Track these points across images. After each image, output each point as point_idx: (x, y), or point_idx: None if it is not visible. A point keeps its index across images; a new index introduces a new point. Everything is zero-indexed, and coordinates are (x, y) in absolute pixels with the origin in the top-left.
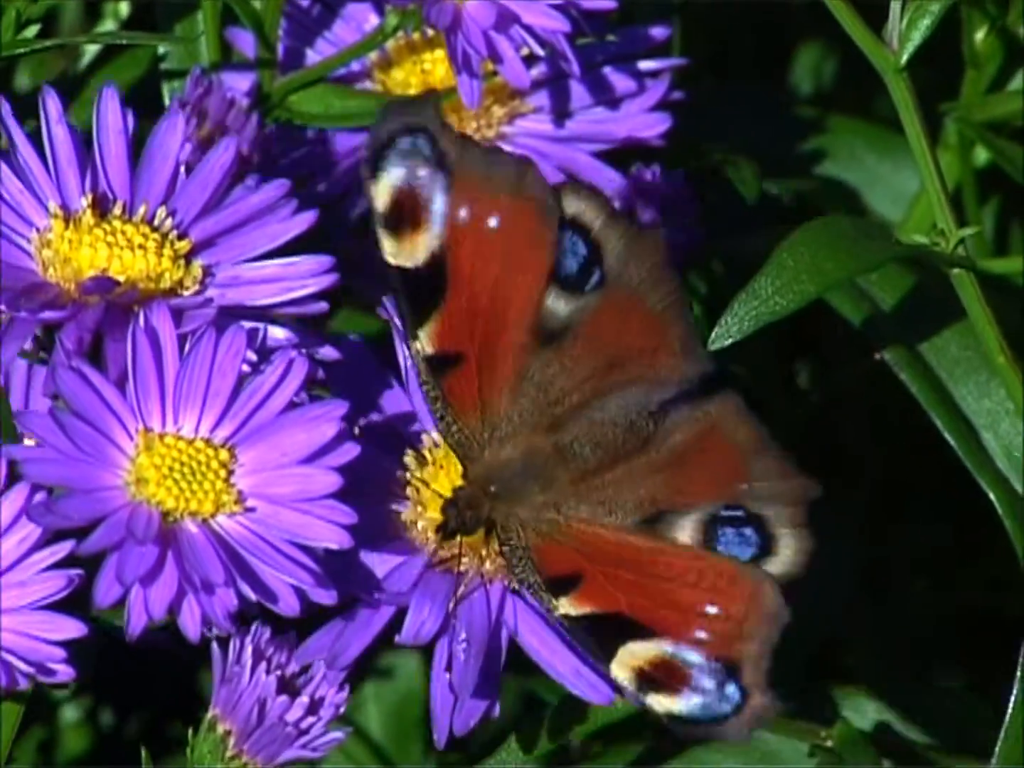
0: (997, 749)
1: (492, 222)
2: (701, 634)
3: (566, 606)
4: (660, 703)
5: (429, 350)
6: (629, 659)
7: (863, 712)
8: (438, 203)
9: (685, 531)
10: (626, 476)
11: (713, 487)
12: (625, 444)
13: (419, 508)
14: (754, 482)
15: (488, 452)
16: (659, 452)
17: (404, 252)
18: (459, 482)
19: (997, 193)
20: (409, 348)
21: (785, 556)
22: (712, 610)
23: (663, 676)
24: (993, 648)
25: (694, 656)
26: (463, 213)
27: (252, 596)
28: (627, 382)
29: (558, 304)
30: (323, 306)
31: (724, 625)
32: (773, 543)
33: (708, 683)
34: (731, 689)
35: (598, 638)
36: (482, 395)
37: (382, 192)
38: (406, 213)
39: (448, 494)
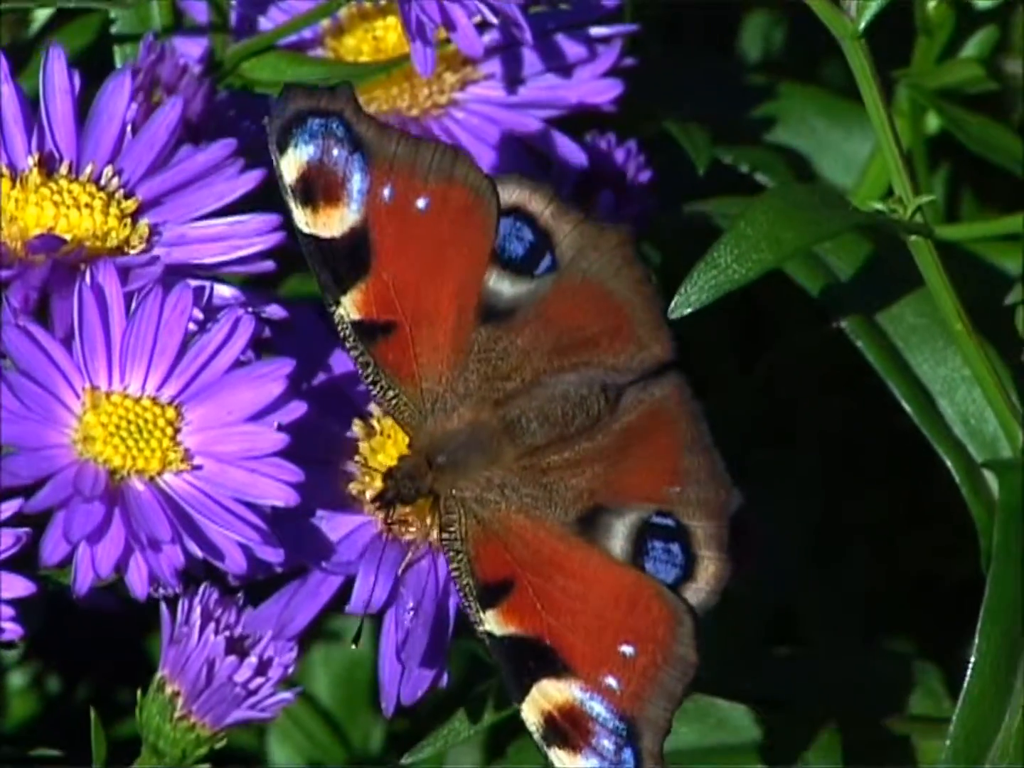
0: (955, 715)
1: (420, 204)
2: (612, 681)
3: (492, 622)
4: (560, 760)
5: (355, 316)
6: (542, 701)
7: (817, 678)
8: (356, 181)
9: (617, 538)
10: (570, 460)
11: (648, 483)
12: (573, 423)
13: (367, 478)
14: (685, 485)
15: (432, 421)
16: (604, 436)
17: (319, 223)
18: (406, 452)
19: (947, 160)
20: (330, 316)
21: (704, 583)
22: (628, 651)
23: (568, 727)
24: (945, 613)
25: (601, 708)
26: (386, 194)
27: (199, 553)
28: (583, 363)
29: (502, 284)
30: (270, 264)
31: (636, 672)
32: (695, 566)
33: (607, 744)
34: (627, 756)
35: (516, 668)
36: (419, 364)
37: (291, 166)
38: (319, 188)
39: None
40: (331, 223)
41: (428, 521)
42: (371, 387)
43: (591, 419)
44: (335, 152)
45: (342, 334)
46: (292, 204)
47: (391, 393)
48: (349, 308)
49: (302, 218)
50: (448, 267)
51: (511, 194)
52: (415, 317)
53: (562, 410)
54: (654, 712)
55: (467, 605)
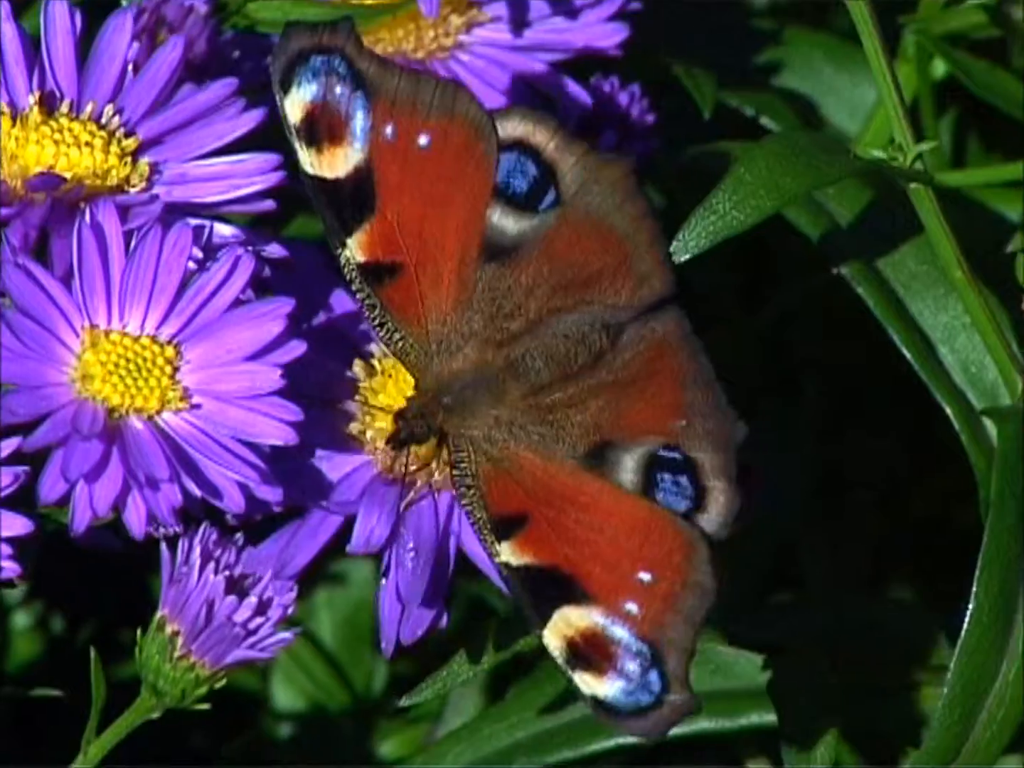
0: (952, 664)
1: (422, 141)
2: (633, 606)
3: (508, 553)
4: (586, 683)
5: (360, 258)
6: (563, 627)
7: (818, 624)
8: (359, 119)
9: (627, 471)
10: (575, 398)
11: (653, 418)
12: (577, 360)
13: (368, 418)
14: (690, 418)
15: (438, 362)
16: (607, 373)
17: (323, 163)
18: (409, 392)
19: (954, 105)
20: (336, 259)
21: (714, 514)
22: (646, 577)
23: (592, 652)
24: (949, 560)
25: (623, 632)
26: (389, 131)
27: (197, 492)
28: (585, 301)
29: (506, 221)
30: (270, 204)
31: (655, 598)
32: (705, 497)
33: (632, 666)
34: (653, 677)
35: (536, 596)
36: (424, 304)
37: (294, 106)
38: (323, 127)
39: (396, 404)
40: (335, 163)
41: (430, 462)
42: (377, 329)
43: (593, 356)
44: (337, 90)
45: (348, 276)
46: (297, 145)
47: (397, 335)
48: (354, 250)
49: (307, 159)
50: (451, 205)
51: (515, 128)
52: (420, 257)
53: (565, 348)
54: (676, 635)
55: (482, 538)
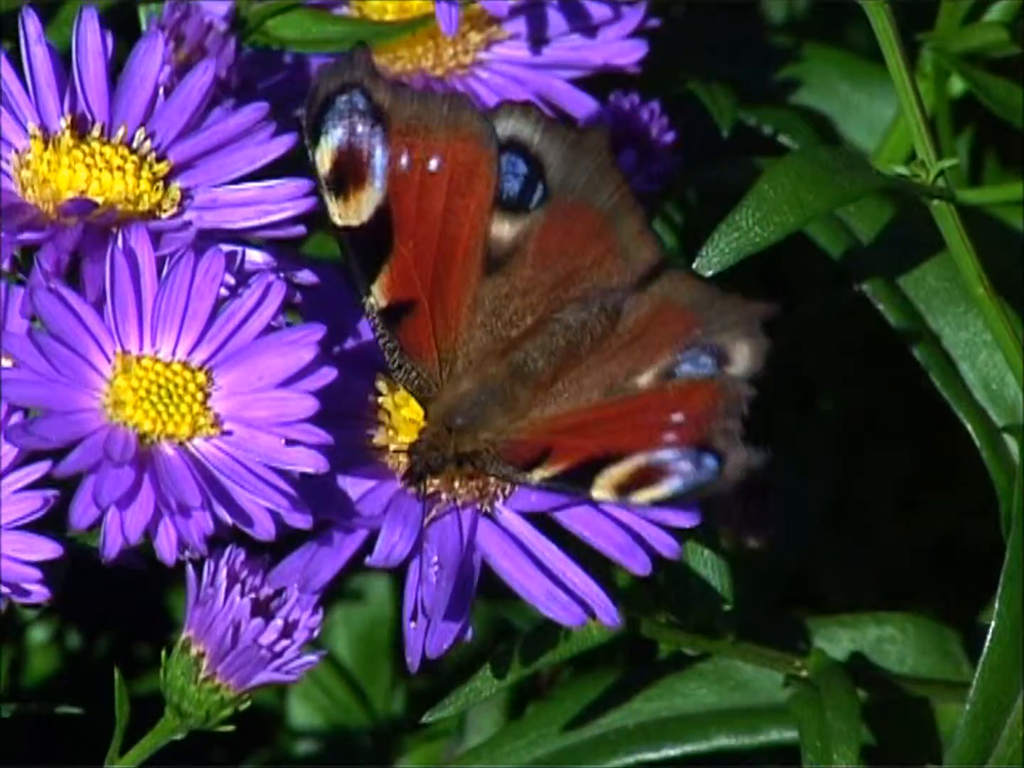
0: (975, 680)
1: (433, 163)
2: (670, 436)
3: (538, 476)
4: (643, 496)
5: (383, 303)
6: (607, 482)
7: (837, 641)
8: (378, 156)
9: (644, 382)
10: (584, 371)
11: (667, 344)
12: (581, 347)
13: (391, 432)
14: (708, 324)
15: (446, 389)
16: (613, 341)
17: (350, 212)
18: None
19: (971, 123)
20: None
21: (741, 361)
22: (678, 417)
23: (643, 480)
24: (967, 577)
25: (668, 454)
26: (403, 160)
27: (228, 519)
28: (581, 294)
29: (503, 228)
30: (301, 229)
31: (692, 423)
32: (728, 355)
33: (685, 466)
34: (708, 460)
35: (575, 483)
36: (437, 336)
37: (325, 156)
38: (349, 172)
39: (419, 419)
40: (360, 209)
41: (452, 480)
42: (395, 372)
43: (595, 338)
44: (359, 129)
45: (372, 324)
46: (327, 198)
47: (414, 374)
48: (377, 296)
49: (335, 210)
50: (457, 223)
51: (504, 127)
52: (432, 287)
53: (565, 339)
54: (720, 426)
55: (505, 480)
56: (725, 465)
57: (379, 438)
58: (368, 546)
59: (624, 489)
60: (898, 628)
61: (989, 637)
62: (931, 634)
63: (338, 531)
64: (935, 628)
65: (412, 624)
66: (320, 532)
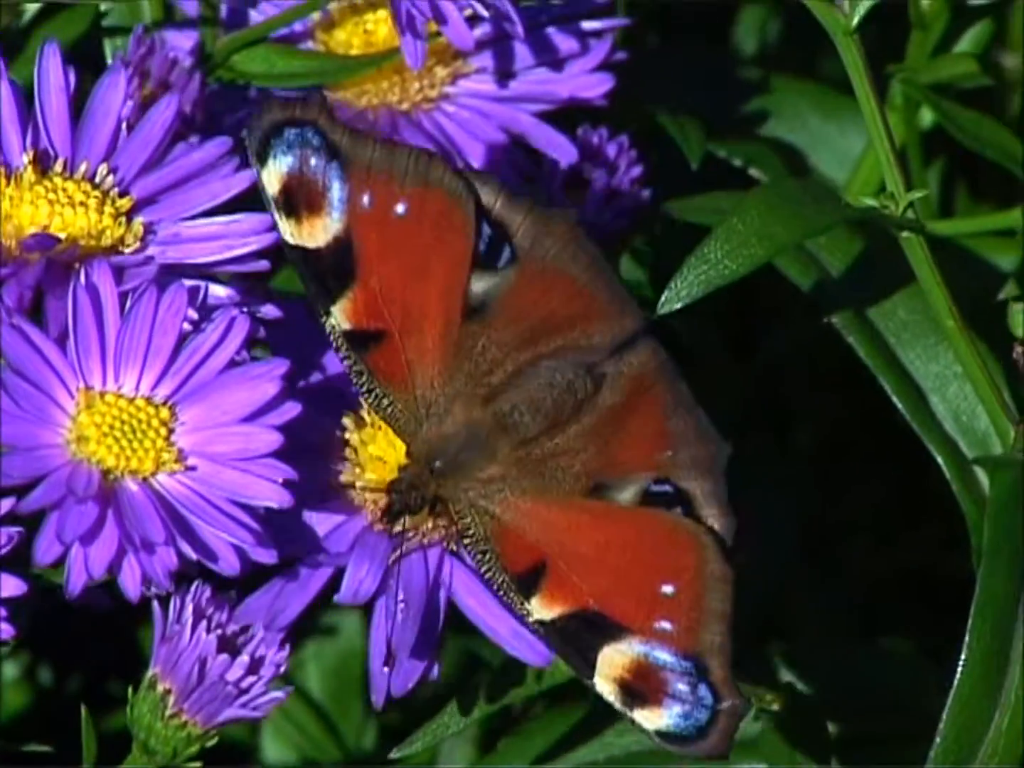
0: (945, 713)
1: (399, 209)
2: (665, 624)
3: (538, 610)
4: (647, 719)
5: (345, 326)
6: (608, 670)
7: (807, 675)
8: (335, 190)
9: (625, 498)
10: (564, 444)
11: (642, 453)
12: (563, 408)
13: (357, 469)
14: (676, 447)
15: (427, 428)
16: (593, 416)
17: (304, 233)
18: (398, 444)
19: (941, 155)
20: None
21: (705, 502)
22: (668, 589)
23: (643, 685)
24: (935, 609)
25: (665, 655)
26: (365, 201)
27: (192, 555)
28: (559, 348)
29: (475, 282)
30: (264, 264)
31: (682, 608)
32: (698, 506)
33: (683, 687)
34: (703, 691)
35: (576, 646)
36: (411, 370)
37: (272, 178)
38: (301, 198)
39: (385, 455)
40: (315, 233)
41: (422, 524)
42: (365, 396)
43: (579, 401)
44: (313, 162)
45: (334, 344)
46: (276, 216)
47: (385, 401)
48: (339, 318)
49: (287, 229)
50: (432, 271)
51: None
52: (404, 323)
53: (551, 398)
54: (711, 638)
55: (510, 601)
56: (718, 711)
57: (345, 475)
58: (335, 583)
59: (626, 690)
60: (871, 660)
61: (959, 670)
62: (904, 666)
63: (304, 568)
64: (908, 660)
65: (380, 665)
66: (286, 569)
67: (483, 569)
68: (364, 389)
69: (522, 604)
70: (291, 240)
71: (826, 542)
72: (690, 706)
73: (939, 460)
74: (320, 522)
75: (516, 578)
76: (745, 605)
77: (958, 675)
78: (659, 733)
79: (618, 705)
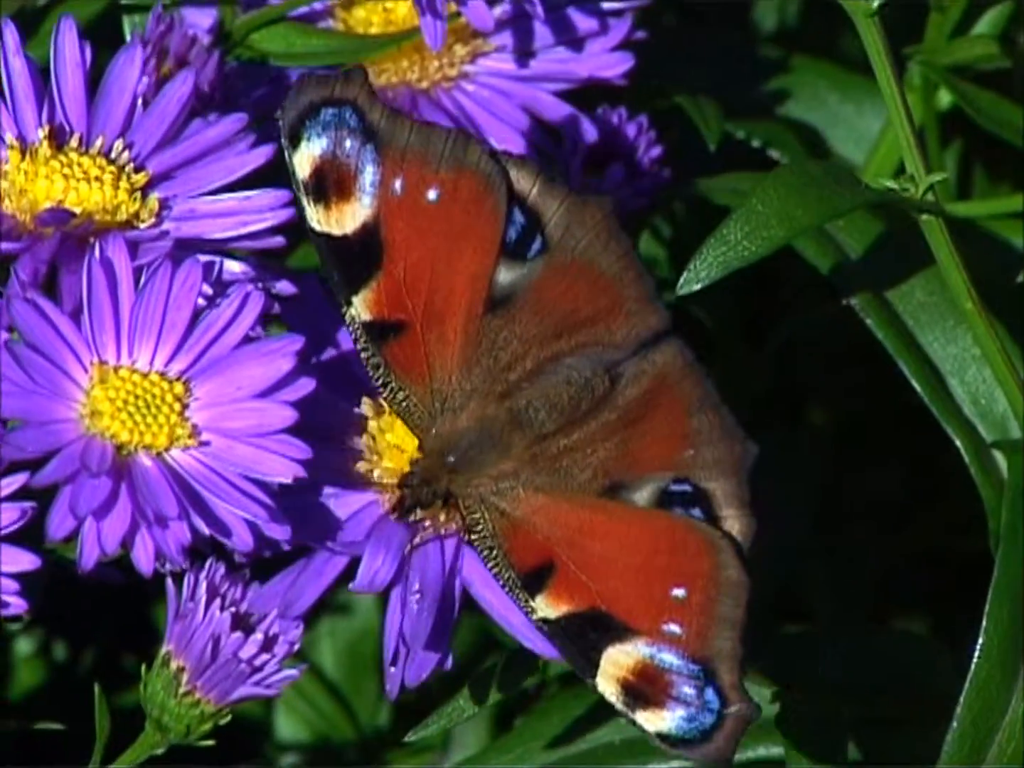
0: (962, 697)
1: (431, 195)
2: (675, 627)
3: (543, 607)
4: (649, 721)
5: (366, 317)
6: (612, 670)
7: (823, 657)
8: (368, 174)
9: (641, 500)
10: (581, 442)
11: (661, 452)
12: (580, 405)
13: (375, 457)
14: (697, 447)
15: (441, 422)
16: (612, 413)
17: (331, 220)
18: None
19: (959, 136)
20: (343, 317)
21: (729, 512)
22: (680, 593)
23: (646, 686)
24: (950, 591)
25: (671, 657)
26: (398, 185)
27: (205, 530)
28: (581, 344)
29: (501, 272)
30: (280, 240)
31: (693, 612)
32: (719, 525)
33: (688, 690)
34: (710, 695)
35: (581, 645)
36: (429, 363)
37: (303, 161)
38: (331, 183)
39: (403, 443)
40: (343, 220)
41: (436, 515)
42: (381, 389)
43: (597, 399)
44: (347, 144)
45: (353, 335)
46: (304, 201)
47: (401, 395)
48: (360, 308)
49: (314, 216)
50: (458, 260)
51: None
52: (426, 314)
53: (568, 395)
54: (722, 644)
55: (515, 597)
56: (725, 714)
57: (363, 463)
58: (350, 571)
59: (629, 691)
60: (886, 642)
61: (976, 653)
62: (920, 648)
63: (320, 556)
64: (924, 642)
65: (392, 661)
66: (302, 556)
67: (490, 565)
68: (380, 382)
69: (527, 601)
70: (317, 227)
71: (841, 524)
72: (695, 710)
73: (957, 443)
74: (337, 509)
75: (523, 575)
76: (760, 586)
77: (975, 660)
78: (661, 736)
79: (619, 706)
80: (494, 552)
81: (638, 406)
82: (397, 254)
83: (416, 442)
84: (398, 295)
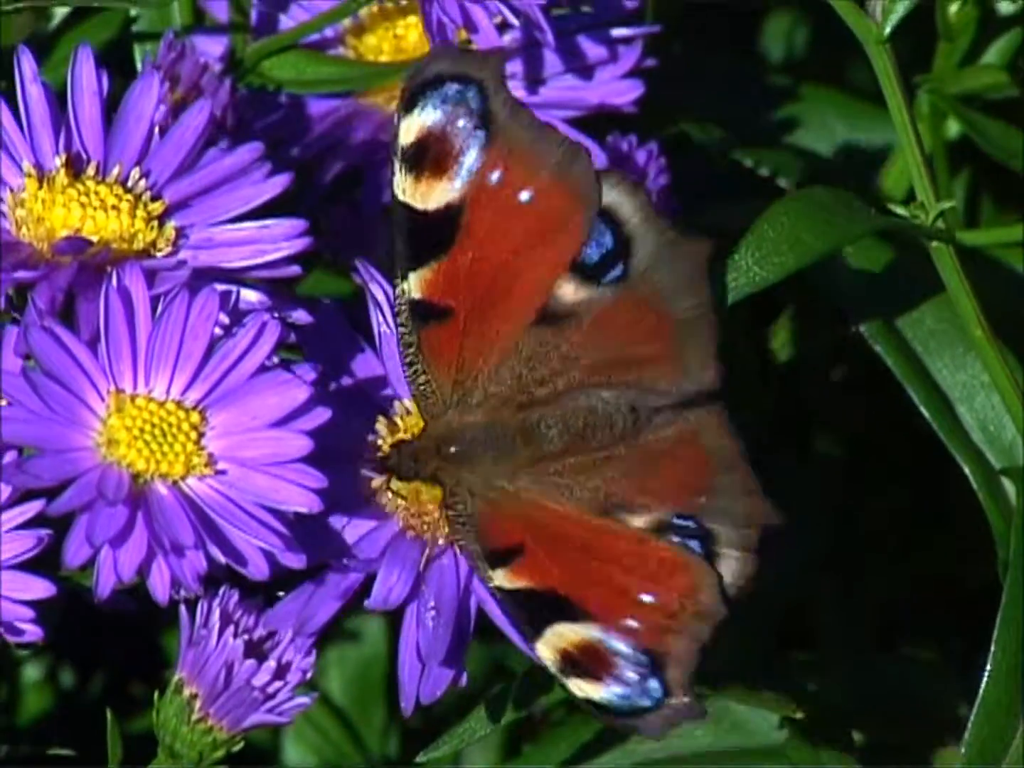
0: (971, 723)
1: (524, 195)
2: (632, 623)
3: (501, 578)
4: (580, 688)
5: (416, 295)
6: (556, 640)
7: (831, 682)
8: (470, 158)
9: (637, 524)
10: (587, 465)
11: (673, 492)
12: (595, 435)
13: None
14: (715, 497)
15: (453, 413)
16: (626, 448)
17: (417, 193)
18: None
19: (967, 165)
20: (393, 288)
21: (729, 554)
22: (648, 599)
23: (588, 661)
24: (964, 618)
25: (622, 645)
26: (495, 176)
27: (221, 559)
28: (623, 382)
29: (566, 288)
30: (296, 269)
31: (657, 615)
32: (715, 560)
33: (631, 674)
34: (653, 684)
35: (528, 614)
36: (461, 354)
37: (411, 128)
38: (431, 156)
39: None
40: (429, 195)
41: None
42: (406, 367)
43: (615, 435)
44: (460, 123)
45: (396, 308)
46: (396, 167)
47: (423, 377)
48: (414, 285)
49: (401, 184)
50: (529, 264)
51: (605, 195)
52: (476, 308)
53: (585, 422)
54: (678, 647)
55: (472, 563)
56: (664, 704)
57: (377, 480)
58: (365, 589)
59: (567, 661)
60: (894, 668)
61: (985, 679)
62: (928, 674)
63: (334, 574)
64: (932, 668)
65: (409, 671)
66: (316, 575)
67: (455, 536)
68: (408, 361)
69: (484, 571)
70: (400, 196)
71: (850, 550)
72: (633, 691)
73: (966, 470)
74: (351, 528)
75: (490, 551)
76: (769, 613)
77: (983, 685)
78: (591, 702)
79: (553, 669)
80: (464, 527)
81: (658, 451)
82: (470, 242)
83: None
84: (455, 282)
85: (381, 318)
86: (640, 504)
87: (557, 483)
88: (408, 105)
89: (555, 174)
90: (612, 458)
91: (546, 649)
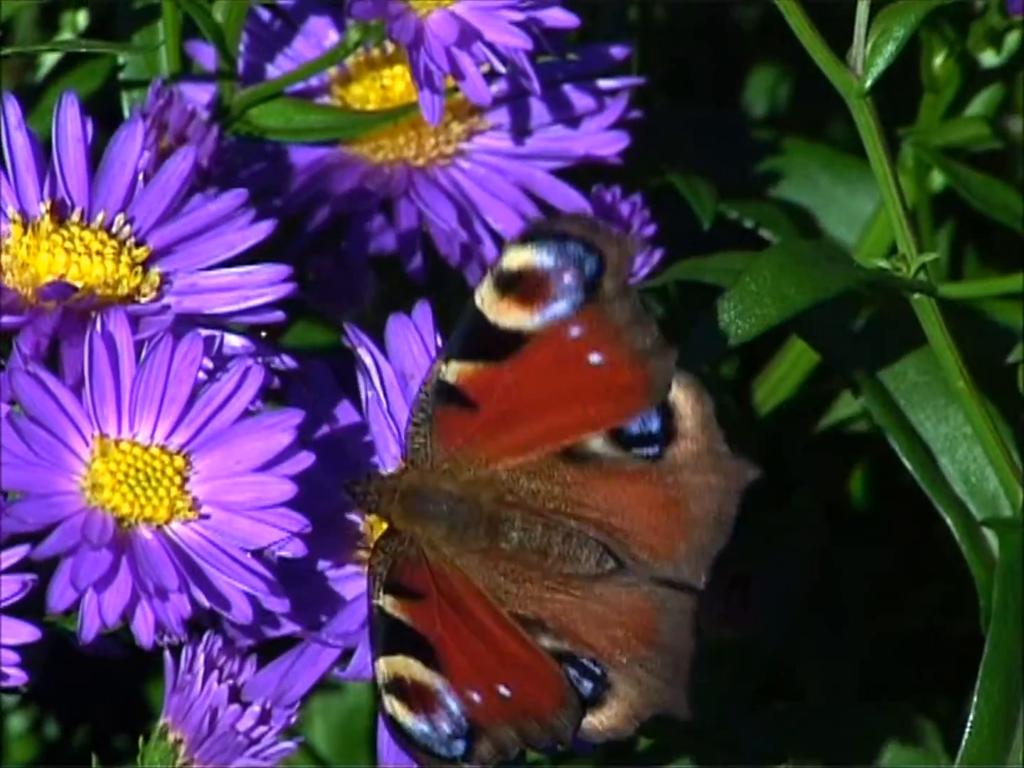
0: None
1: (596, 357)
2: (476, 697)
3: (387, 603)
4: (393, 706)
5: (449, 378)
6: (400, 667)
7: (812, 735)
8: (559, 308)
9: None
10: (531, 579)
11: (600, 643)
12: (556, 561)
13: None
14: (636, 665)
15: (436, 474)
16: (579, 587)
17: (495, 309)
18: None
19: (951, 217)
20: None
21: (616, 708)
22: (505, 691)
23: (416, 695)
24: (945, 670)
25: (454, 706)
26: (576, 331)
27: (206, 603)
28: (615, 532)
29: (598, 442)
30: (279, 315)
31: (504, 707)
32: (607, 690)
33: (445, 727)
34: (459, 745)
35: (393, 639)
36: (470, 442)
37: (517, 258)
38: (524, 287)
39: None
40: (505, 315)
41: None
42: (411, 425)
43: (573, 568)
44: (565, 279)
45: (425, 384)
46: (487, 283)
47: (421, 440)
48: (451, 371)
49: (483, 296)
50: (571, 408)
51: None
52: (502, 417)
53: (552, 543)
54: (502, 736)
55: (369, 583)
56: (458, 765)
57: (358, 553)
58: (345, 656)
59: (395, 683)
60: (877, 721)
61: (967, 731)
62: (910, 727)
63: (313, 645)
64: (914, 721)
65: (385, 746)
66: (296, 644)
67: (374, 561)
68: (414, 422)
69: (378, 590)
70: (479, 303)
71: (832, 602)
72: (437, 737)
73: (948, 521)
74: (333, 596)
75: (394, 584)
76: (751, 666)
77: (966, 735)
78: (394, 720)
79: (379, 680)
80: (386, 559)
81: (607, 603)
82: (523, 366)
83: None
84: (491, 388)
85: (368, 383)
86: (560, 636)
87: (493, 575)
88: (524, 239)
89: (636, 357)
90: (559, 586)
91: (385, 666)
